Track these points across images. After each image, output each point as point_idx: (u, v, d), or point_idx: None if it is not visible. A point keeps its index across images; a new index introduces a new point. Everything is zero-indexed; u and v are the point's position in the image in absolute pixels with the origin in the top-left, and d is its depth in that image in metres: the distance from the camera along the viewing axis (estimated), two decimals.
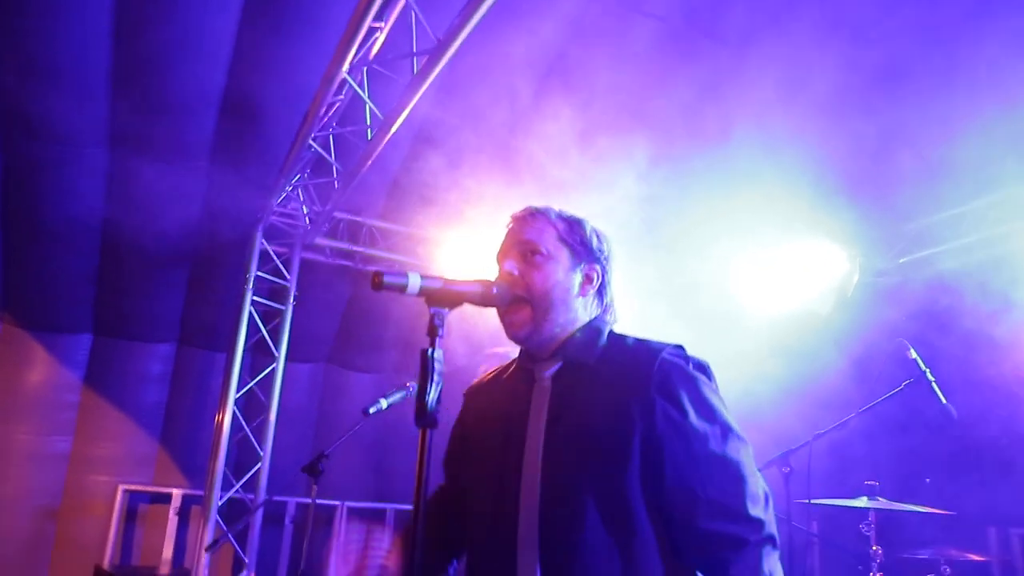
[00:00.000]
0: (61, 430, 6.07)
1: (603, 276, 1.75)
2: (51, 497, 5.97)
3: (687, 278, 5.35)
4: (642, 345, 1.64)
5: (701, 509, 1.45)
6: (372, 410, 3.80)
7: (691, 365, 1.59)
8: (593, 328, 1.69)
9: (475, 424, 1.80)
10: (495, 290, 1.58)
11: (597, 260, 1.73)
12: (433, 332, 1.46)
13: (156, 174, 5.23)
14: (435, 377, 1.42)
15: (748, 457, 1.52)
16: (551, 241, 1.68)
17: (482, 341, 4.08)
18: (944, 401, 3.43)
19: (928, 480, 4.90)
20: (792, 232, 5.55)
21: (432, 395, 1.41)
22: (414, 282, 1.48)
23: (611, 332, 1.71)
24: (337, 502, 6.60)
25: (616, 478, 1.47)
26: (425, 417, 1.42)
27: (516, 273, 1.65)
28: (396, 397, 3.65)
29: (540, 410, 1.60)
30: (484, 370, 2.63)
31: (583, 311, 1.70)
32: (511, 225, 1.74)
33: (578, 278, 1.69)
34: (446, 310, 1.50)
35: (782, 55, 4.56)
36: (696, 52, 4.97)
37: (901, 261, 6.14)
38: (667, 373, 1.53)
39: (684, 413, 1.50)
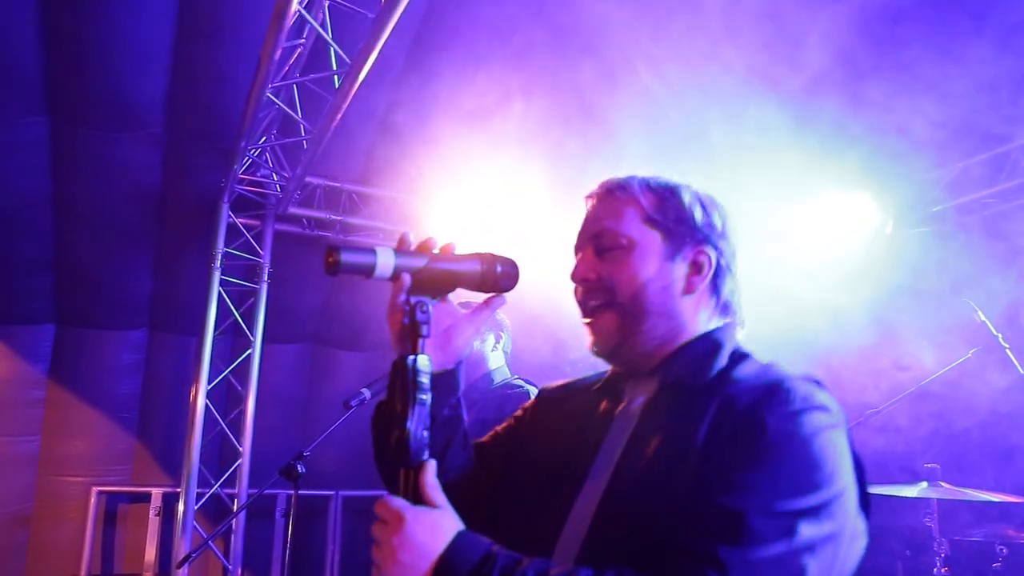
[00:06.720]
0: (27, 429, 5.60)
1: (717, 260, 1.24)
2: (22, 502, 5.54)
3: None
4: (763, 372, 1.15)
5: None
6: (354, 402, 3.52)
7: (815, 404, 1.07)
8: (710, 341, 1.21)
9: (539, 435, 1.35)
10: (499, 268, 1.19)
11: (706, 239, 1.23)
12: (415, 331, 1.07)
13: (104, 144, 4.66)
14: (418, 397, 1.02)
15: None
16: (634, 225, 1.23)
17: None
18: (1023, 371, 2.92)
19: None
20: (817, 183, 5.01)
21: (414, 424, 1.01)
22: (385, 260, 1.09)
23: (736, 351, 1.20)
24: (331, 492, 6.17)
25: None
26: (407, 455, 1.02)
27: (593, 276, 1.24)
28: (381, 386, 3.32)
29: (617, 442, 1.19)
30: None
31: (694, 314, 1.23)
32: (587, 209, 1.32)
33: (681, 269, 1.23)
34: (432, 299, 1.12)
35: None
36: None
37: (935, 210, 5.62)
38: (767, 398, 1.07)
39: (760, 430, 1.03)
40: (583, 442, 1.23)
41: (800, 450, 1.02)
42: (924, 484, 3.21)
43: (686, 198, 1.26)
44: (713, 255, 1.24)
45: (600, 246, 1.25)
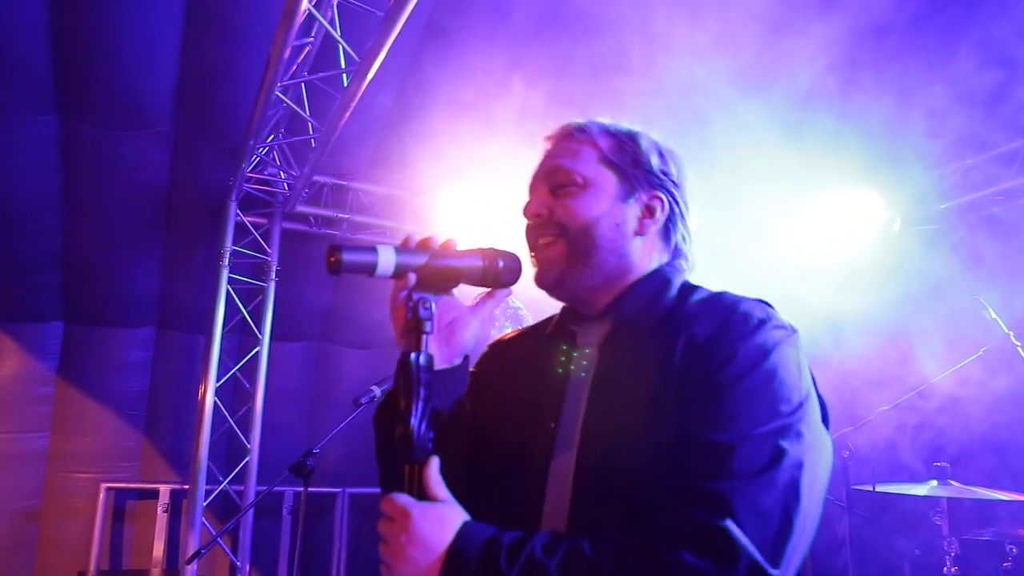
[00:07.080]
0: (36, 426, 5.61)
1: (671, 207, 1.25)
2: (31, 498, 5.56)
3: (714, 234, 4.79)
4: (716, 299, 1.16)
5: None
6: (364, 400, 3.60)
7: (774, 323, 1.10)
8: (659, 277, 1.21)
9: (498, 395, 1.30)
10: (501, 263, 1.17)
11: (660, 185, 1.24)
12: (417, 328, 1.07)
13: (113, 142, 4.67)
14: (422, 392, 1.02)
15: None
16: (590, 165, 1.23)
17: None
18: None
19: None
20: (821, 181, 4.97)
21: (417, 420, 1.02)
22: (386, 259, 1.09)
23: (685, 284, 1.22)
24: (338, 489, 6.19)
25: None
26: (411, 451, 1.02)
27: (545, 211, 1.23)
28: (391, 384, 3.34)
29: (580, 389, 1.17)
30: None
31: (644, 256, 1.23)
32: (544, 149, 1.31)
33: (634, 211, 1.23)
34: (435, 296, 1.12)
35: None
36: None
37: (942, 207, 5.58)
38: (728, 324, 1.09)
39: (729, 358, 1.05)
40: (543, 399, 1.20)
41: (767, 369, 1.04)
42: (934, 483, 3.20)
43: (644, 144, 1.26)
44: (667, 200, 1.25)
45: (555, 183, 1.24)
